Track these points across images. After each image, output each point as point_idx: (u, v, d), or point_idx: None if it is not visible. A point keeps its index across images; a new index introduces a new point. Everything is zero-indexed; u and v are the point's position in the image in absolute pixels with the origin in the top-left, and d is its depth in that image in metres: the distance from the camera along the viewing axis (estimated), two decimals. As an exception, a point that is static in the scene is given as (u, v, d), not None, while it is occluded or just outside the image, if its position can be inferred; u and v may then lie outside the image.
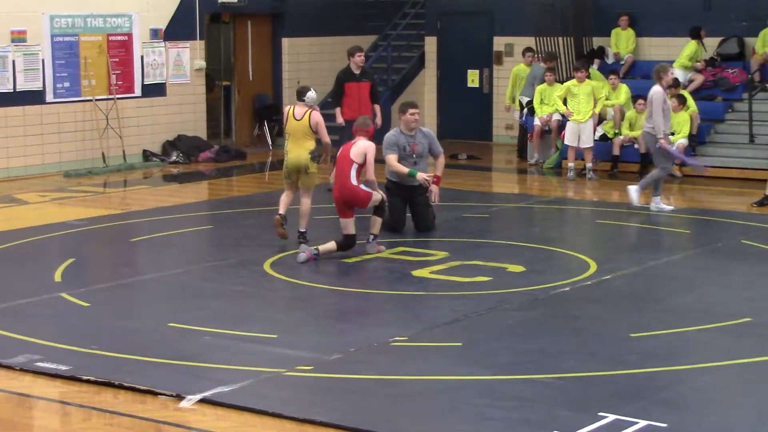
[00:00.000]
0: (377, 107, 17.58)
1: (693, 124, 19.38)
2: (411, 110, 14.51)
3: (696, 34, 20.81)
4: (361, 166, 13.07)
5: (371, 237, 13.30)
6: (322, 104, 21.05)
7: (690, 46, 20.75)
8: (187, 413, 8.28)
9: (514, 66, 22.40)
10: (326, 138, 13.87)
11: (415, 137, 14.53)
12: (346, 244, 13.07)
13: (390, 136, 14.59)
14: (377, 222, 13.28)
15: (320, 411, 8.18)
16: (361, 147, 13.11)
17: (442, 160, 14.72)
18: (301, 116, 13.63)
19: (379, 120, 17.44)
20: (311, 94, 13.76)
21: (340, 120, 17.37)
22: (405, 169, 14.25)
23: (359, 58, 17.24)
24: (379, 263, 12.93)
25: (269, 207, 16.90)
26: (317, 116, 13.65)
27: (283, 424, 8.04)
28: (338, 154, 13.35)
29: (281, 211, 13.93)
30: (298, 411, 8.18)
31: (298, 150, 13.64)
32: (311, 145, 13.67)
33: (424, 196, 14.49)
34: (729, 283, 12.25)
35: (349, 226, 13.06)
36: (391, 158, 14.37)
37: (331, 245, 13.00)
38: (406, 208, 14.59)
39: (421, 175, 14.13)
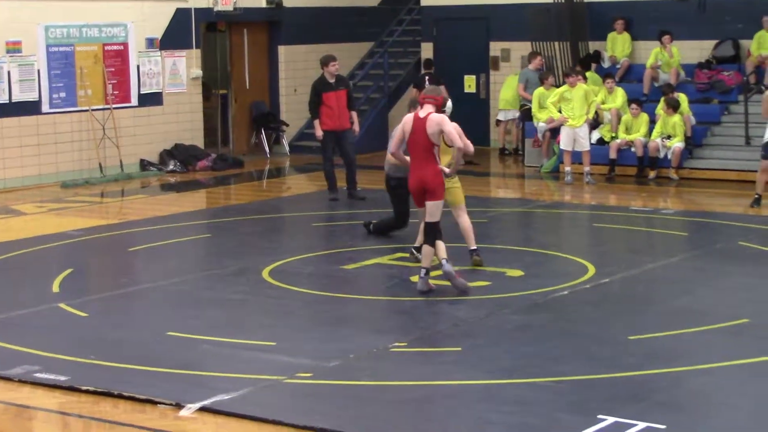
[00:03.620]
0: (354, 114, 17.61)
1: (687, 126, 19.42)
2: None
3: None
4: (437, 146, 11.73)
5: (423, 271, 11.80)
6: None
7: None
8: (186, 422, 8.27)
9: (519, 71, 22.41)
10: (458, 142, 11.92)
11: None
12: (432, 232, 11.81)
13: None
14: (430, 253, 11.79)
15: (320, 418, 8.18)
16: (434, 122, 11.66)
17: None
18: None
19: (356, 126, 17.52)
20: (451, 105, 12.82)
21: (319, 133, 17.35)
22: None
23: (333, 67, 17.23)
24: (377, 269, 12.92)
25: (267, 215, 16.94)
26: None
27: (283, 431, 8.04)
28: (410, 130, 11.86)
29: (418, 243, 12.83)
30: (297, 418, 8.18)
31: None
32: (446, 158, 12.17)
33: None
34: (726, 284, 12.26)
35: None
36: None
37: (428, 251, 11.80)
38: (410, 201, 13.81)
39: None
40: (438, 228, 11.86)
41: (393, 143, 12.54)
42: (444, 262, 11.71)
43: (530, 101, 21.39)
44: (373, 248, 13.97)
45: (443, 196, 11.89)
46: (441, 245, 11.80)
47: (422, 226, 12.21)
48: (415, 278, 12.35)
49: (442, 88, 13.70)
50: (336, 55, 17.88)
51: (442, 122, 11.69)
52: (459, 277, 11.74)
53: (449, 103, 12.73)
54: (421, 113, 11.83)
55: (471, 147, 12.24)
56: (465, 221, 12.73)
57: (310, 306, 11.65)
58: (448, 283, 12.02)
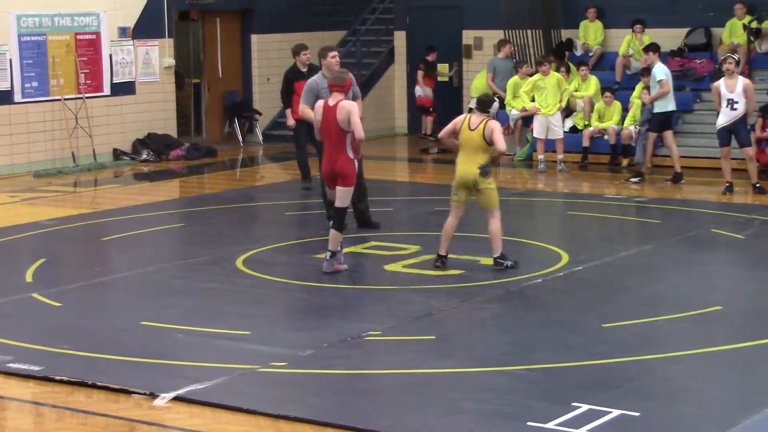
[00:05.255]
0: None
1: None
2: (331, 53, 14.12)
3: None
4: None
5: (329, 254, 12.18)
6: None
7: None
8: (161, 411, 8.26)
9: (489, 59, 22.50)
10: (501, 145, 12.01)
11: None
12: (338, 217, 12.18)
13: (312, 82, 14.11)
14: (337, 238, 12.18)
15: (294, 407, 8.19)
16: (345, 110, 12.00)
17: (359, 102, 14.34)
18: (476, 126, 12.06)
19: None
20: (497, 105, 12.46)
21: (291, 122, 17.24)
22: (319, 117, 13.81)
23: (305, 56, 17.15)
24: (351, 258, 12.90)
25: (241, 204, 16.92)
26: (493, 124, 12.06)
27: (258, 420, 8.05)
28: (321, 119, 12.19)
29: (442, 251, 12.33)
30: (272, 407, 8.19)
31: (468, 164, 12.16)
32: (482, 159, 12.10)
33: None
34: (699, 272, 12.33)
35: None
36: (304, 107, 13.86)
37: (334, 235, 12.17)
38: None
39: None
40: (343, 215, 12.19)
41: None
42: (329, 255, 12.09)
43: (498, 92, 21.48)
44: (346, 237, 13.94)
45: (354, 183, 12.15)
46: (337, 236, 12.11)
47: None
48: (389, 267, 12.39)
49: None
50: (308, 44, 17.85)
51: (351, 110, 12.01)
52: (339, 267, 12.16)
53: (496, 105, 12.35)
54: (331, 101, 12.15)
55: (502, 145, 12.03)
56: (493, 225, 12.26)
57: (284, 295, 11.65)
58: (420, 271, 12.08)
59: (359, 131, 12.03)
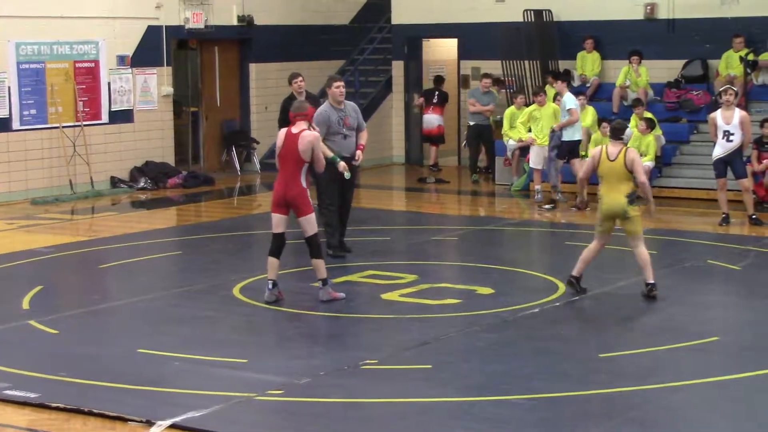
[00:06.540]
0: None
1: (657, 145, 19.53)
2: (336, 83, 14.29)
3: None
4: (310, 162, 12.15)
5: (321, 282, 12.28)
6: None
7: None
8: (157, 439, 8.26)
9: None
10: (641, 176, 12.23)
11: (345, 110, 14.37)
12: (277, 245, 12.29)
13: (322, 111, 14.23)
14: (321, 265, 12.24)
15: (291, 435, 8.18)
16: (306, 141, 12.03)
17: (365, 134, 14.50)
18: (615, 156, 12.17)
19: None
20: (630, 132, 12.34)
21: None
22: (329, 153, 13.73)
23: (296, 85, 17.13)
24: (348, 287, 12.90)
25: (238, 232, 16.92)
26: (633, 154, 12.19)
27: (254, 448, 8.04)
28: (282, 145, 12.17)
29: (575, 272, 12.55)
30: (268, 435, 8.18)
31: (613, 194, 12.19)
32: (627, 187, 12.20)
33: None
34: (696, 302, 12.33)
35: (281, 224, 12.22)
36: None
37: (273, 262, 12.27)
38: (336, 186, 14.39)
39: (342, 166, 13.73)
40: (318, 242, 12.27)
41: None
42: (322, 283, 12.19)
43: (479, 114, 21.70)
44: (343, 266, 13.98)
45: (311, 210, 12.17)
46: (320, 264, 12.21)
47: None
48: (386, 296, 12.39)
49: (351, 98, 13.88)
50: (306, 73, 17.88)
51: (314, 142, 12.07)
52: (336, 295, 12.21)
53: (629, 131, 12.30)
54: (294, 129, 12.16)
55: (641, 176, 12.21)
56: (642, 252, 12.35)
57: (281, 323, 11.64)
58: (417, 300, 12.09)
59: (320, 166, 12.23)
